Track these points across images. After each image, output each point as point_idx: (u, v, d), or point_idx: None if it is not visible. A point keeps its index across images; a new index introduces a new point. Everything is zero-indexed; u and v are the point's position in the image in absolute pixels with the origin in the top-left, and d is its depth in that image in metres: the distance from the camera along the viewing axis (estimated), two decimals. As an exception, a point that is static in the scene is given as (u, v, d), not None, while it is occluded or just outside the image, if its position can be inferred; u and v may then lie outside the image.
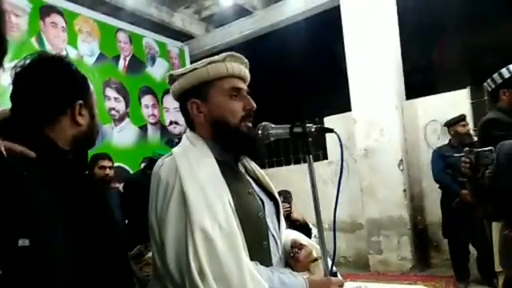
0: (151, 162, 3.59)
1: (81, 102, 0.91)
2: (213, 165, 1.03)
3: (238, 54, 1.12)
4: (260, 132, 1.07)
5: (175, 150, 1.08)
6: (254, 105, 1.11)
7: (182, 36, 5.91)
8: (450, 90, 4.25)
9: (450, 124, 3.63)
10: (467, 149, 1.86)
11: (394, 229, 4.26)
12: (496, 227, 1.95)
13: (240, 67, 1.11)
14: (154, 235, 0.99)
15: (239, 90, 1.10)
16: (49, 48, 3.94)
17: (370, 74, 4.36)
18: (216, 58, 1.08)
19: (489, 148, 1.78)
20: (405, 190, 4.23)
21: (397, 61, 4.51)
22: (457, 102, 4.13)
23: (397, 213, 4.24)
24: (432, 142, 4.25)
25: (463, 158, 1.83)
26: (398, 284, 3.38)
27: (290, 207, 2.71)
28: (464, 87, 4.20)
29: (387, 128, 4.27)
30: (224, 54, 1.09)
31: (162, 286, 0.97)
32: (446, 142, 3.75)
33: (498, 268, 1.90)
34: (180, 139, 1.14)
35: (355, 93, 4.50)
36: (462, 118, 3.58)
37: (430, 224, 4.40)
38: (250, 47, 5.56)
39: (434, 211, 4.33)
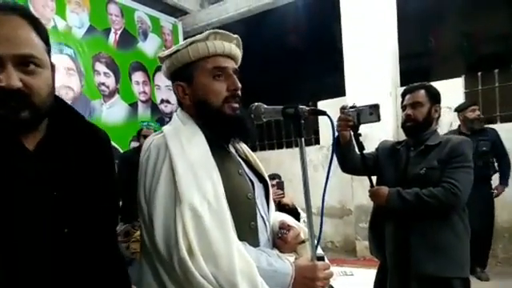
0: (139, 133, 3.54)
1: None
2: (203, 144, 1.01)
3: (224, 31, 1.07)
4: (252, 112, 1.04)
5: (166, 128, 1.06)
6: (239, 84, 1.07)
7: (176, 11, 5.75)
8: (444, 78, 4.23)
9: (460, 109, 3.55)
10: (345, 105, 1.89)
11: (382, 215, 4.31)
12: None
13: (224, 44, 1.06)
14: (143, 212, 0.97)
15: (223, 69, 1.05)
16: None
17: (365, 59, 4.31)
18: (199, 36, 1.04)
19: (374, 103, 1.81)
20: (394, 177, 4.25)
21: (393, 47, 4.46)
22: (451, 91, 4.10)
23: (385, 199, 4.27)
24: (424, 130, 4.24)
25: (342, 116, 1.87)
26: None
27: (283, 194, 2.69)
28: (458, 76, 4.17)
29: (380, 114, 4.23)
30: (207, 32, 1.04)
31: (151, 263, 0.97)
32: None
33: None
34: (171, 118, 1.12)
35: (350, 78, 4.45)
36: (473, 103, 3.53)
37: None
38: (246, 25, 5.45)
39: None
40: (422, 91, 1.87)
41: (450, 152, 1.74)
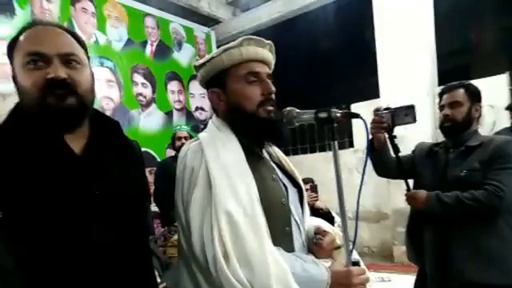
0: (173, 137, 3.63)
1: None
2: (238, 150, 1.03)
3: (257, 37, 1.09)
4: (284, 117, 1.05)
5: (201, 135, 1.09)
6: (273, 88, 1.08)
7: (209, 20, 5.89)
8: (486, 76, 4.03)
9: (511, 107, 3.39)
10: (379, 107, 1.82)
11: (422, 220, 4.15)
12: None
13: (257, 50, 1.08)
14: (180, 218, 1.00)
15: (257, 74, 1.07)
16: (79, 33, 4.01)
17: (400, 59, 4.19)
18: (232, 44, 1.06)
19: (409, 104, 1.71)
20: (434, 180, 4.09)
21: (430, 45, 4.30)
22: (494, 89, 3.90)
23: (425, 203, 4.11)
24: (465, 130, 4.05)
25: (376, 118, 1.80)
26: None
27: (317, 196, 2.69)
28: (502, 72, 3.96)
29: (417, 116, 4.10)
30: (241, 39, 1.07)
31: (188, 267, 0.99)
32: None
33: None
34: (206, 125, 1.14)
35: (384, 79, 4.35)
36: None
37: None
38: (278, 31, 5.48)
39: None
40: (461, 90, 1.80)
41: (493, 153, 1.67)
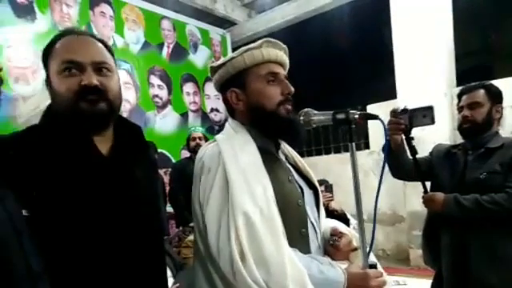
0: (188, 138, 3.66)
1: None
2: (254, 152, 1.04)
3: (275, 40, 1.12)
4: (302, 118, 1.06)
5: (218, 136, 1.10)
6: (292, 89, 1.10)
7: (225, 22, 5.93)
8: (508, 76, 3.93)
9: None
10: (396, 107, 1.78)
11: (439, 223, 4.07)
12: None
13: (276, 52, 1.11)
14: (197, 218, 1.02)
15: (276, 74, 1.10)
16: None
17: (418, 59, 4.13)
18: (252, 45, 1.09)
19: (428, 105, 1.69)
20: (452, 183, 4.01)
21: (448, 45, 4.23)
22: (514, 90, 3.80)
23: (442, 206, 4.03)
24: (485, 132, 3.96)
25: (393, 119, 1.76)
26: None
27: (332, 196, 2.67)
28: (524, 73, 3.85)
29: (435, 117, 4.03)
30: (260, 41, 1.09)
31: (204, 267, 1.01)
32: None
33: None
34: (221, 126, 1.16)
35: (401, 79, 4.30)
36: None
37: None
38: (293, 33, 5.48)
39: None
40: (482, 91, 1.76)
41: None
